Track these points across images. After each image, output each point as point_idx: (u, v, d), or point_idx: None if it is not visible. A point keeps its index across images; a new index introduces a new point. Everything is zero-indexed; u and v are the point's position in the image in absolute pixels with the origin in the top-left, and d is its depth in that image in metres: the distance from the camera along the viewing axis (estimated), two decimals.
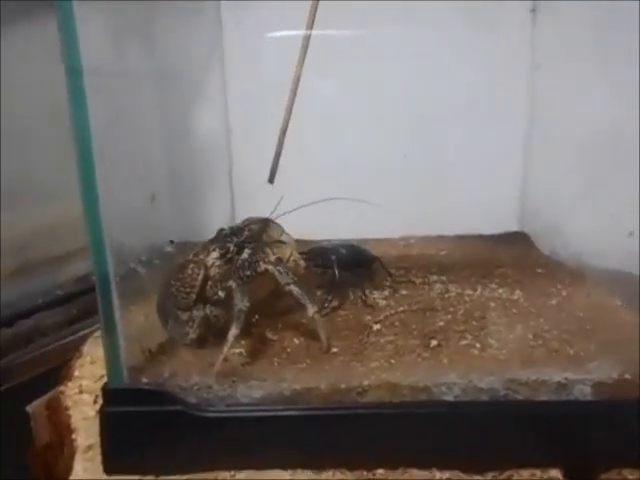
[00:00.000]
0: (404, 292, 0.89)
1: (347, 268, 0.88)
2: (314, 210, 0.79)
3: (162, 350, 0.75)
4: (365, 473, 0.67)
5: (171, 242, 0.84)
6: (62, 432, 0.76)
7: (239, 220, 0.86)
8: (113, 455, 0.67)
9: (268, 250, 0.78)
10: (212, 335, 0.76)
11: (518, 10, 1.07)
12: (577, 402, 0.68)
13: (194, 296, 0.75)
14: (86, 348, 0.89)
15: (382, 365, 0.72)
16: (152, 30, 0.92)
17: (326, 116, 1.06)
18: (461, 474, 0.67)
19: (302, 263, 0.84)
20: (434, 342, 0.76)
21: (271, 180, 0.91)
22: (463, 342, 0.76)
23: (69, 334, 1.10)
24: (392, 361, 0.73)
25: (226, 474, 0.67)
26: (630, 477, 0.65)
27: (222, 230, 0.80)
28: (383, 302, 0.87)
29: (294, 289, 0.74)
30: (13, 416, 0.89)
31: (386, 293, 0.89)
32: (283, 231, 0.84)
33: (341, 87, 1.07)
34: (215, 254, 0.77)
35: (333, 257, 0.88)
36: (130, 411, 0.67)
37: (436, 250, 1.07)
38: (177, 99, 1.01)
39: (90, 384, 0.81)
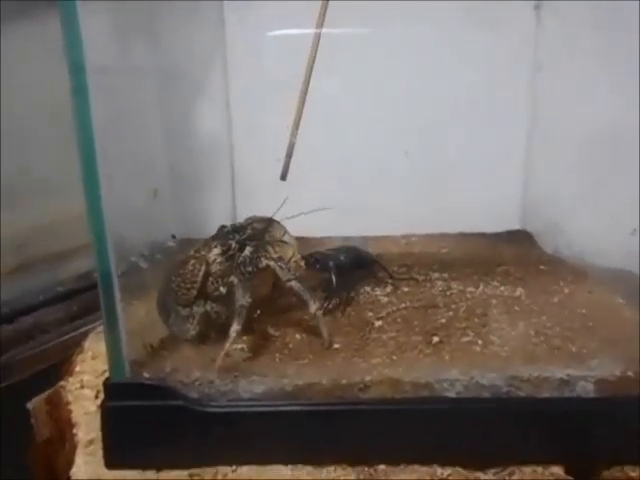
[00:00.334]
0: (406, 289, 0.89)
1: (346, 272, 0.88)
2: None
3: (164, 345, 0.75)
4: (366, 469, 0.67)
5: (173, 237, 0.84)
6: (63, 427, 0.76)
7: (240, 217, 0.86)
8: (114, 449, 0.67)
9: (270, 248, 0.78)
10: (213, 331, 0.76)
11: (521, 9, 1.07)
12: (579, 399, 0.67)
13: (195, 292, 0.75)
14: (87, 343, 0.89)
15: (384, 361, 0.72)
16: (155, 28, 0.93)
17: (328, 114, 1.06)
18: (462, 471, 0.67)
19: (303, 264, 0.84)
20: (436, 339, 0.76)
21: (283, 177, 0.91)
22: (465, 339, 0.76)
23: (70, 331, 1.10)
24: (394, 357, 0.72)
25: (227, 469, 0.67)
26: (632, 474, 0.65)
27: (223, 227, 0.80)
28: (385, 299, 0.87)
29: (295, 285, 0.74)
30: (13, 414, 0.88)
31: (388, 290, 0.89)
32: (286, 231, 0.83)
33: (343, 85, 1.07)
34: (217, 250, 0.76)
35: (331, 263, 0.87)
36: (132, 405, 0.67)
37: (438, 248, 1.07)
38: (179, 97, 1.01)
39: (91, 379, 0.81)
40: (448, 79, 1.07)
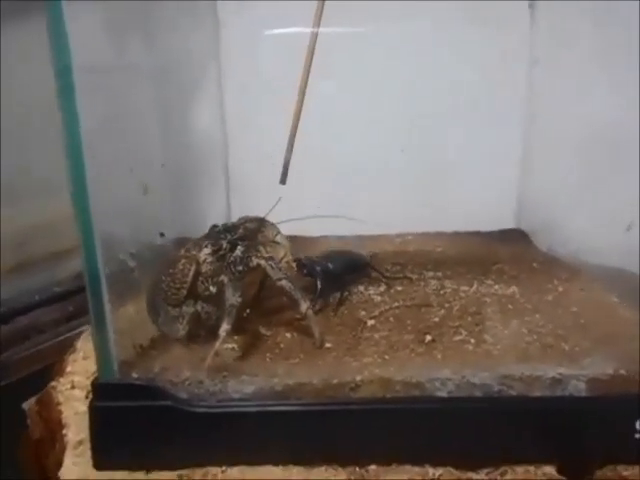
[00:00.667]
0: (399, 288, 0.89)
1: (335, 278, 0.87)
2: (312, 208, 0.79)
3: (153, 345, 0.75)
4: (357, 469, 0.67)
5: (161, 235, 0.83)
6: (53, 427, 0.76)
7: (235, 216, 0.86)
8: (103, 450, 0.67)
9: (261, 248, 0.78)
10: (203, 331, 0.75)
11: (516, 6, 1.06)
12: (572, 398, 0.67)
13: (185, 292, 0.74)
14: (80, 344, 0.89)
15: (375, 360, 0.71)
16: (149, 26, 0.92)
17: (325, 113, 1.06)
18: (454, 471, 0.66)
19: (295, 265, 0.84)
20: (428, 337, 0.75)
21: (283, 181, 0.91)
22: (457, 338, 0.75)
23: (66, 331, 1.10)
24: (386, 356, 0.72)
25: (217, 470, 0.67)
26: (625, 473, 0.65)
27: (215, 227, 0.80)
28: (378, 298, 0.86)
29: (286, 284, 0.74)
30: (11, 413, 0.88)
31: (381, 289, 0.89)
32: (278, 232, 0.83)
33: (340, 84, 1.07)
34: (207, 250, 0.76)
35: (318, 268, 0.86)
36: (120, 406, 0.66)
37: (433, 246, 1.06)
38: (173, 95, 1.01)
39: (82, 380, 0.81)
40: (444, 78, 1.06)
